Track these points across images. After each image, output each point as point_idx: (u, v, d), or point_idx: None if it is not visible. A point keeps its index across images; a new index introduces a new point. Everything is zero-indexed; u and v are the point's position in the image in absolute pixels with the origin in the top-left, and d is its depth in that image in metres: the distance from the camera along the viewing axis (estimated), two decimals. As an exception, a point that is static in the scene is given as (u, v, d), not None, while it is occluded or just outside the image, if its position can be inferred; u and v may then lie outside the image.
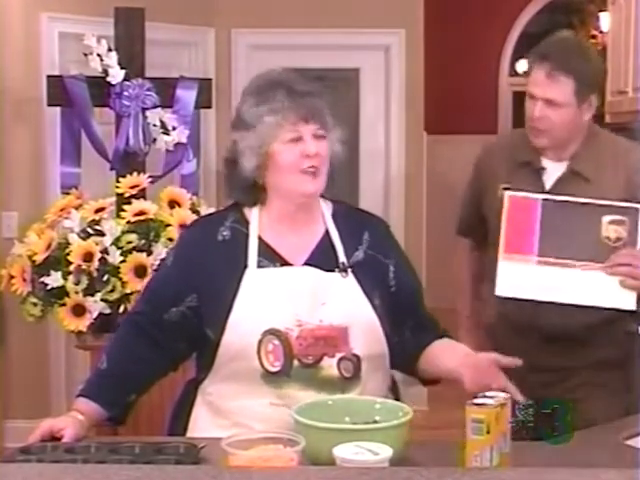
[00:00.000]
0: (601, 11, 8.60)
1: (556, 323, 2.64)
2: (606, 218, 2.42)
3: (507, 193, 2.56)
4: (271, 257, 2.31)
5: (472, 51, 8.69)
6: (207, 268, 2.31)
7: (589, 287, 2.40)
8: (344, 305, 2.28)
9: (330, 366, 2.25)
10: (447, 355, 2.30)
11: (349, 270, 2.32)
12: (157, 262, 3.37)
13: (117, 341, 2.40)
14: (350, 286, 2.30)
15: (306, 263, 2.32)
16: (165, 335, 2.33)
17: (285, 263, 2.31)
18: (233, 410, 2.29)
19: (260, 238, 2.32)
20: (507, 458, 1.95)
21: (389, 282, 2.38)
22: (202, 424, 2.34)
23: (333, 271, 2.31)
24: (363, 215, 2.49)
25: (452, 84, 8.50)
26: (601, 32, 8.99)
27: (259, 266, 2.29)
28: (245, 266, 2.29)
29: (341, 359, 2.25)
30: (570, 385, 2.70)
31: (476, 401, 1.94)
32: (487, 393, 1.99)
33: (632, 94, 4.60)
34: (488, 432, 1.90)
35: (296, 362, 2.23)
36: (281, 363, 2.22)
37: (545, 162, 2.71)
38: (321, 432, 1.92)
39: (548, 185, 2.69)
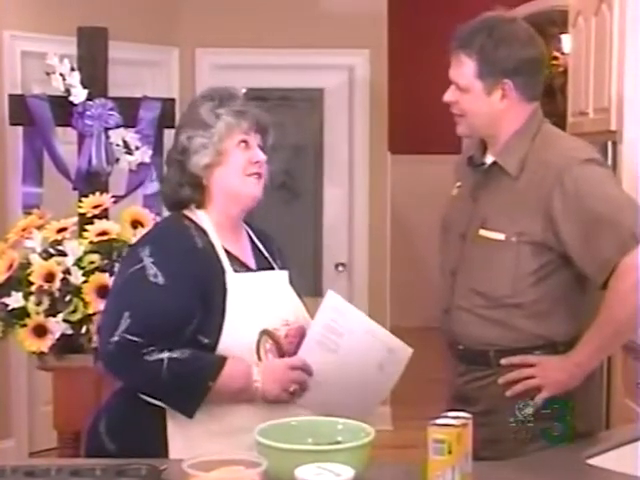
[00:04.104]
0: (562, 33, 8.70)
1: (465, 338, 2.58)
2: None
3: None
4: (236, 262, 2.43)
5: (436, 72, 8.70)
6: (198, 276, 2.36)
7: None
8: (298, 306, 2.50)
9: None
10: None
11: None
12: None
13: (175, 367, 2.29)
14: (291, 289, 2.53)
15: (256, 267, 2.49)
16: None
17: (248, 267, 2.46)
18: (230, 415, 2.35)
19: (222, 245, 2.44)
20: (469, 478, 1.96)
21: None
22: (198, 440, 2.32)
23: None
24: (262, 229, 2.65)
25: (416, 105, 8.54)
26: (563, 53, 9.09)
27: (234, 271, 2.40)
28: (223, 271, 2.38)
29: None
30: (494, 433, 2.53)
31: (438, 421, 1.95)
32: (449, 413, 1.99)
33: (593, 115, 4.65)
34: (450, 452, 1.90)
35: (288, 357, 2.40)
36: (286, 358, 2.39)
37: (487, 157, 2.63)
38: (283, 453, 1.92)
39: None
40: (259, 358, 2.36)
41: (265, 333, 2.37)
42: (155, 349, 2.27)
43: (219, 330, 2.33)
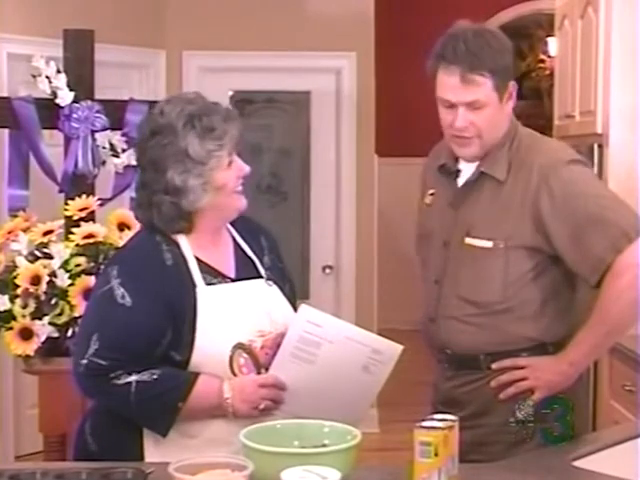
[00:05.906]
0: (549, 36, 8.75)
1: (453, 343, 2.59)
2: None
3: None
4: (211, 273, 2.38)
5: (422, 74, 8.71)
6: (167, 295, 2.32)
7: None
8: (280, 312, 2.43)
9: None
10: None
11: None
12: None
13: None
14: (276, 293, 2.46)
15: (237, 274, 2.43)
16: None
17: (225, 277, 2.40)
18: (206, 428, 2.33)
19: (195, 256, 2.38)
20: (455, 481, 1.96)
21: (287, 283, 2.54)
22: (166, 451, 2.30)
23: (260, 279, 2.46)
24: (252, 222, 2.58)
25: (403, 107, 8.55)
26: (549, 56, 9.14)
27: (207, 284, 2.35)
28: (194, 285, 2.33)
29: None
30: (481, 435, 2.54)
31: (424, 424, 1.95)
32: (435, 416, 1.99)
33: (579, 118, 4.66)
34: (436, 455, 1.90)
35: (263, 371, 2.35)
36: (254, 374, 2.34)
37: (460, 164, 2.61)
38: (269, 456, 1.91)
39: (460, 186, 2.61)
40: (233, 373, 2.32)
41: (239, 347, 2.32)
42: (123, 372, 2.27)
43: (191, 346, 2.30)
